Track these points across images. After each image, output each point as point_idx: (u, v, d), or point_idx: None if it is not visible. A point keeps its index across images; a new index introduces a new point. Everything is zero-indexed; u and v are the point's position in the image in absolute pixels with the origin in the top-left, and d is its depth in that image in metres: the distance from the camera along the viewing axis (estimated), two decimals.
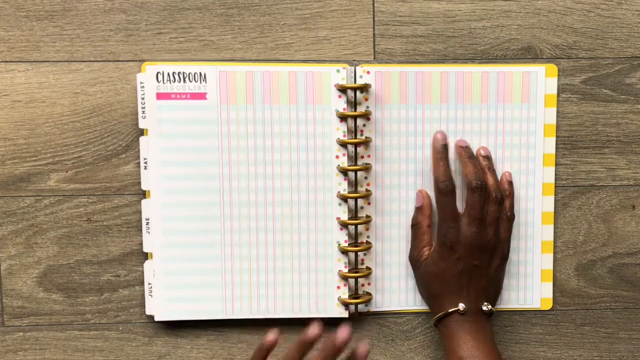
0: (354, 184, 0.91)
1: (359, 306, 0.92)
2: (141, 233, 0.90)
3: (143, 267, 0.91)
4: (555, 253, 0.94)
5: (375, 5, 0.90)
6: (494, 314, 0.89)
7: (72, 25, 0.89)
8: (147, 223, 0.90)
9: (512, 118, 0.91)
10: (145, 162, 0.89)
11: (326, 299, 0.92)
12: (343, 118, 0.89)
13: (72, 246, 0.91)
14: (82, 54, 0.89)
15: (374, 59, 0.91)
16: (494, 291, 0.91)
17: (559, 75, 0.91)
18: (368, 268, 0.92)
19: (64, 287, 0.91)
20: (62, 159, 0.90)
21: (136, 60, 0.89)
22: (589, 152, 0.93)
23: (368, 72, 0.89)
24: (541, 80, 0.91)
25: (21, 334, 0.92)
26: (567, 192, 0.93)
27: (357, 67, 0.89)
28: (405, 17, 0.91)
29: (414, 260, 0.91)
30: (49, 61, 0.89)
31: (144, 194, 0.90)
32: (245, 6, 0.90)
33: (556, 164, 0.93)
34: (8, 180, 0.90)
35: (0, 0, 0.88)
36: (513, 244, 0.92)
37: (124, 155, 0.90)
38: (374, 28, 0.91)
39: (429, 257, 0.89)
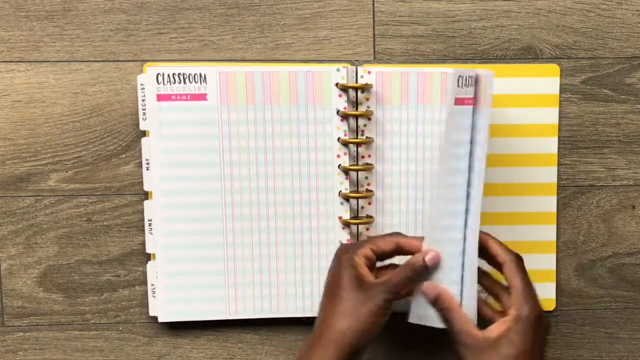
0: (355, 184, 0.90)
1: None
2: (141, 233, 0.90)
3: (144, 268, 0.91)
4: (556, 253, 0.94)
5: (375, 5, 0.90)
6: None
7: (72, 25, 0.89)
8: (150, 224, 0.90)
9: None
10: (148, 163, 0.89)
11: None
12: (344, 117, 0.89)
13: (72, 246, 0.91)
14: (82, 54, 0.89)
15: (374, 59, 0.91)
16: None
17: (559, 75, 0.91)
18: None
19: (64, 287, 0.91)
20: (62, 159, 0.90)
21: (136, 60, 0.89)
22: (589, 152, 0.93)
23: (369, 72, 0.89)
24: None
25: (21, 334, 0.92)
26: (567, 192, 0.93)
27: (359, 67, 0.89)
28: (405, 17, 0.91)
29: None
30: (49, 61, 0.89)
31: (146, 195, 0.90)
32: (245, 6, 0.90)
33: (557, 164, 0.93)
34: (8, 180, 0.90)
35: (0, 0, 0.88)
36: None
37: (124, 156, 0.90)
38: (374, 28, 0.91)
39: None
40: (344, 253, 0.82)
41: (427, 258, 0.80)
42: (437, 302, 0.80)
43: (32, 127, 0.89)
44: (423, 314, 0.82)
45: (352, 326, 0.78)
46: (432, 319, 0.82)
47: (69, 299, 0.92)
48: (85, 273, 0.91)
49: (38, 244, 0.91)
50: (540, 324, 0.78)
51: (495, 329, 0.78)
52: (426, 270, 0.81)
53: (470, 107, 0.81)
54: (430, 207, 0.86)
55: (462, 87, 0.80)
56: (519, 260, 0.81)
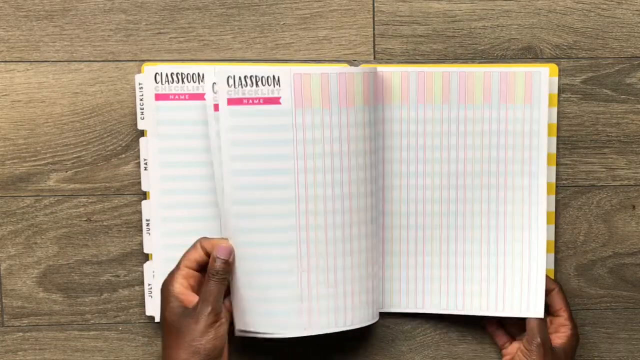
0: None
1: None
2: (141, 233, 0.90)
3: (143, 268, 0.91)
4: (555, 253, 0.94)
5: (375, 5, 0.90)
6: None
7: (72, 25, 0.89)
8: (148, 224, 0.89)
9: (515, 118, 0.90)
10: (146, 163, 0.89)
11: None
12: None
13: (72, 246, 0.91)
14: (81, 54, 0.89)
15: (374, 59, 0.91)
16: None
17: (559, 75, 0.91)
18: None
19: (64, 287, 0.91)
20: (62, 159, 0.90)
21: (136, 60, 0.89)
22: (589, 152, 0.93)
23: None
24: (544, 80, 0.90)
25: (21, 334, 0.92)
26: (567, 192, 0.93)
27: (360, 67, 0.89)
28: (405, 17, 0.91)
29: None
30: (49, 61, 0.89)
31: (144, 195, 0.90)
32: (245, 6, 0.90)
33: (556, 164, 0.92)
34: (8, 180, 0.90)
35: (0, 0, 0.88)
36: (515, 247, 0.92)
37: (123, 156, 0.90)
38: (374, 28, 0.91)
39: None
40: (164, 283, 0.84)
41: (217, 253, 0.83)
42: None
43: (32, 127, 0.89)
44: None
45: (195, 352, 0.81)
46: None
47: (68, 299, 0.92)
48: (85, 273, 0.91)
49: (38, 244, 0.91)
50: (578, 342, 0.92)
51: (554, 341, 0.90)
52: (227, 264, 0.84)
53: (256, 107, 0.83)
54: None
55: (163, 83, 0.85)
56: (561, 289, 0.92)
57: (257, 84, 0.84)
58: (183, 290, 0.83)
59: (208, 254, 0.84)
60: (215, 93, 0.84)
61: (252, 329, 0.86)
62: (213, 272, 0.83)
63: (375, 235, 0.90)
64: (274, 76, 0.84)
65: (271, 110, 0.84)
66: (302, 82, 0.84)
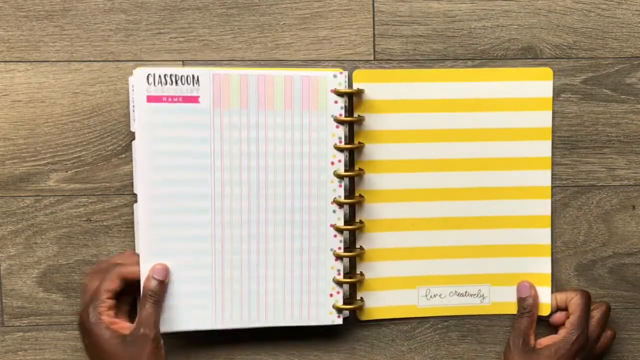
0: (348, 190, 0.90)
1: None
2: None
3: None
4: (555, 253, 0.94)
5: (375, 5, 0.90)
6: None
7: (72, 25, 0.89)
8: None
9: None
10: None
11: (319, 307, 0.91)
12: (340, 123, 0.88)
13: (72, 246, 0.91)
14: (81, 54, 0.89)
15: (374, 59, 0.91)
16: None
17: (555, 76, 0.91)
18: (362, 274, 0.92)
19: (64, 287, 0.91)
20: (62, 159, 0.90)
21: (136, 60, 0.89)
22: (589, 152, 0.93)
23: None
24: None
25: (21, 334, 0.92)
26: (567, 192, 0.93)
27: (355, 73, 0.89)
28: (405, 17, 0.91)
29: None
30: (49, 61, 0.89)
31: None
32: (245, 6, 0.90)
33: (556, 164, 0.93)
34: (8, 180, 0.90)
35: (0, 0, 0.88)
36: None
37: (123, 155, 0.90)
38: (374, 28, 0.91)
39: None
40: (88, 319, 0.85)
41: (155, 275, 0.86)
42: (526, 304, 0.92)
43: (32, 127, 0.89)
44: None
45: None
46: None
47: (69, 299, 0.92)
48: (85, 273, 0.91)
49: (38, 244, 0.91)
50: (581, 352, 0.89)
51: (544, 342, 0.90)
52: (163, 285, 0.86)
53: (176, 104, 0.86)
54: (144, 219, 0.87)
55: (155, 85, 0.85)
56: (584, 295, 0.91)
57: (176, 83, 0.86)
58: (112, 320, 0.85)
59: (124, 280, 0.86)
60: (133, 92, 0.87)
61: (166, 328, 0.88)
62: (149, 292, 0.85)
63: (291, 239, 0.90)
64: (193, 76, 0.86)
65: (190, 108, 0.86)
66: (221, 83, 0.86)
